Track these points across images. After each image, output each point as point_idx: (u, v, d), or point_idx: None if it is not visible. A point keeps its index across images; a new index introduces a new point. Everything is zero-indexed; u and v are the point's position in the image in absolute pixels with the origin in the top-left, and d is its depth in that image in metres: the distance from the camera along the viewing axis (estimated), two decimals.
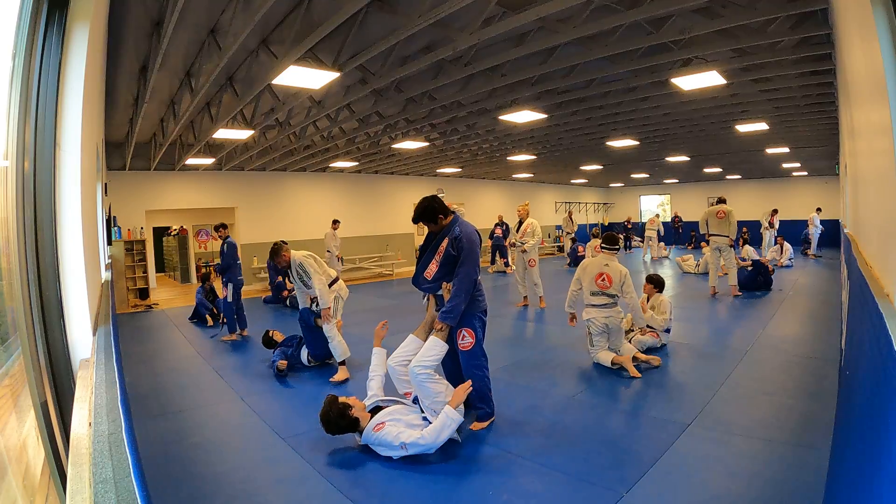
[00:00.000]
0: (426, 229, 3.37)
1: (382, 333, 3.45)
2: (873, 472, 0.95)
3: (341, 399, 2.99)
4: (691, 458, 2.76)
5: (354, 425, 2.94)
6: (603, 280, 4.45)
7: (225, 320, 6.45)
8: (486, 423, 3.27)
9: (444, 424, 2.78)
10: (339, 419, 2.92)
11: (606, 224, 23.07)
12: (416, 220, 3.31)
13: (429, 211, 3.25)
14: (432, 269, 3.25)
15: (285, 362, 4.61)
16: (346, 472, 2.76)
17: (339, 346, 4.39)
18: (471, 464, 2.81)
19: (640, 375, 4.15)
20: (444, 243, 3.21)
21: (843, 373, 2.41)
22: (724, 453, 2.80)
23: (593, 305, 4.50)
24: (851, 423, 1.43)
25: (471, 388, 3.03)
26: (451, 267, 3.19)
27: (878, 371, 1.02)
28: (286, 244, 8.87)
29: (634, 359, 4.36)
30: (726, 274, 7.94)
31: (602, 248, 4.66)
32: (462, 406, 2.95)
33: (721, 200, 8.01)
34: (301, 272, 4.41)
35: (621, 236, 18.34)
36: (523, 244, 7.47)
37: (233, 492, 2.59)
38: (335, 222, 11.09)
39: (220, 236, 6.43)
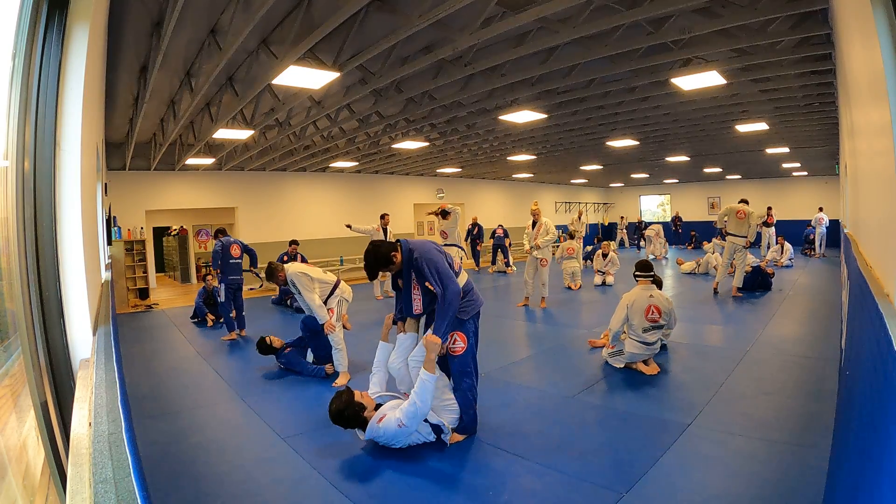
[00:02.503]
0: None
1: (391, 325, 3.36)
2: (873, 472, 0.95)
3: (357, 398, 3.00)
4: (691, 458, 2.76)
5: (363, 424, 2.98)
6: (653, 313, 4.23)
7: (222, 319, 6.56)
8: (462, 438, 3.09)
9: (424, 387, 2.83)
10: (352, 419, 2.97)
11: (606, 224, 23.05)
12: (374, 274, 3.04)
13: (381, 258, 2.99)
14: (417, 305, 3.11)
15: (279, 340, 4.87)
16: (345, 472, 2.77)
17: (342, 358, 4.40)
18: (470, 464, 2.81)
19: (657, 371, 4.21)
20: (413, 277, 3.06)
21: (843, 373, 2.41)
22: (724, 453, 2.80)
23: (646, 343, 4.20)
24: (851, 423, 1.43)
25: (439, 340, 2.91)
26: (431, 293, 3.05)
27: (878, 371, 1.02)
28: (297, 244, 8.88)
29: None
30: (730, 274, 7.94)
31: (638, 276, 4.45)
32: (437, 368, 2.94)
33: (743, 202, 7.85)
34: (294, 289, 4.42)
35: (635, 237, 18.39)
36: (541, 247, 7.40)
37: (233, 491, 2.59)
38: (383, 216, 9.58)
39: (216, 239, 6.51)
